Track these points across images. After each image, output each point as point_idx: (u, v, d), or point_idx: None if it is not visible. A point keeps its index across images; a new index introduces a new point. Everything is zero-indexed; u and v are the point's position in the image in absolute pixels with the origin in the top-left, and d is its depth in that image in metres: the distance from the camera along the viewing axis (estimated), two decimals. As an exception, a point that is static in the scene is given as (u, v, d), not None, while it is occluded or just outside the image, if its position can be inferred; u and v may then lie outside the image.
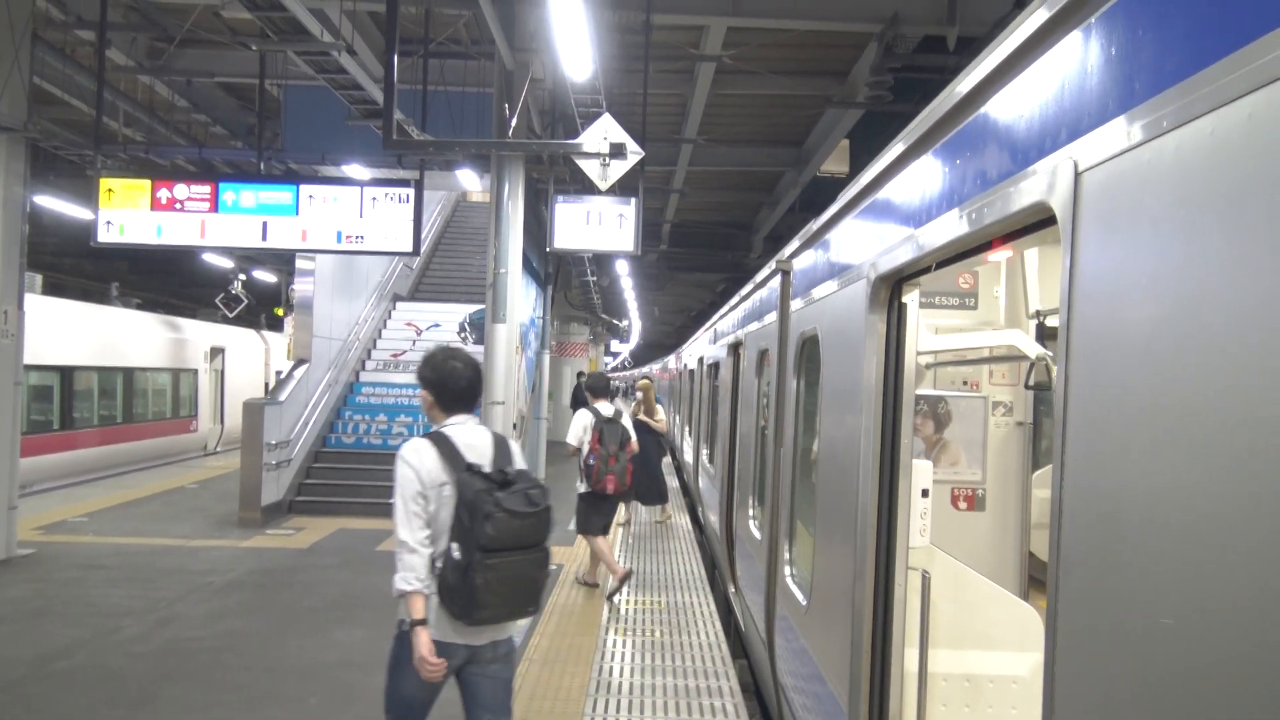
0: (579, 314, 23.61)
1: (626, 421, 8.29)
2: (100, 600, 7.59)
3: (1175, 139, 1.42)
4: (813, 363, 4.27)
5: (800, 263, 4.88)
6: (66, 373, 15.39)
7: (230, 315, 21.24)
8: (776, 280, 5.37)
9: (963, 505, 5.38)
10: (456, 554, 3.30)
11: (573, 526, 8.71)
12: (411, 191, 9.12)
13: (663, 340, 49.66)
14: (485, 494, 3.31)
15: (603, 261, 18.77)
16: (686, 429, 16.53)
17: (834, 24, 8.95)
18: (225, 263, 20.34)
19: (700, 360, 13.17)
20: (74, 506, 11.89)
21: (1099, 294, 1.65)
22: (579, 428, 8.05)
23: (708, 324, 12.96)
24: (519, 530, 3.36)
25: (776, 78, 10.81)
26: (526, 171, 9.84)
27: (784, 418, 4.94)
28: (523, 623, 7.20)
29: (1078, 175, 1.73)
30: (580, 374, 22.10)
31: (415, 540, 3.33)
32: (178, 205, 8.99)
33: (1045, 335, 5.03)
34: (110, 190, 9.01)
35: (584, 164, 7.85)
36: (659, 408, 12.38)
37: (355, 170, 11.32)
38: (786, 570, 4.90)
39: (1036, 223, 2.02)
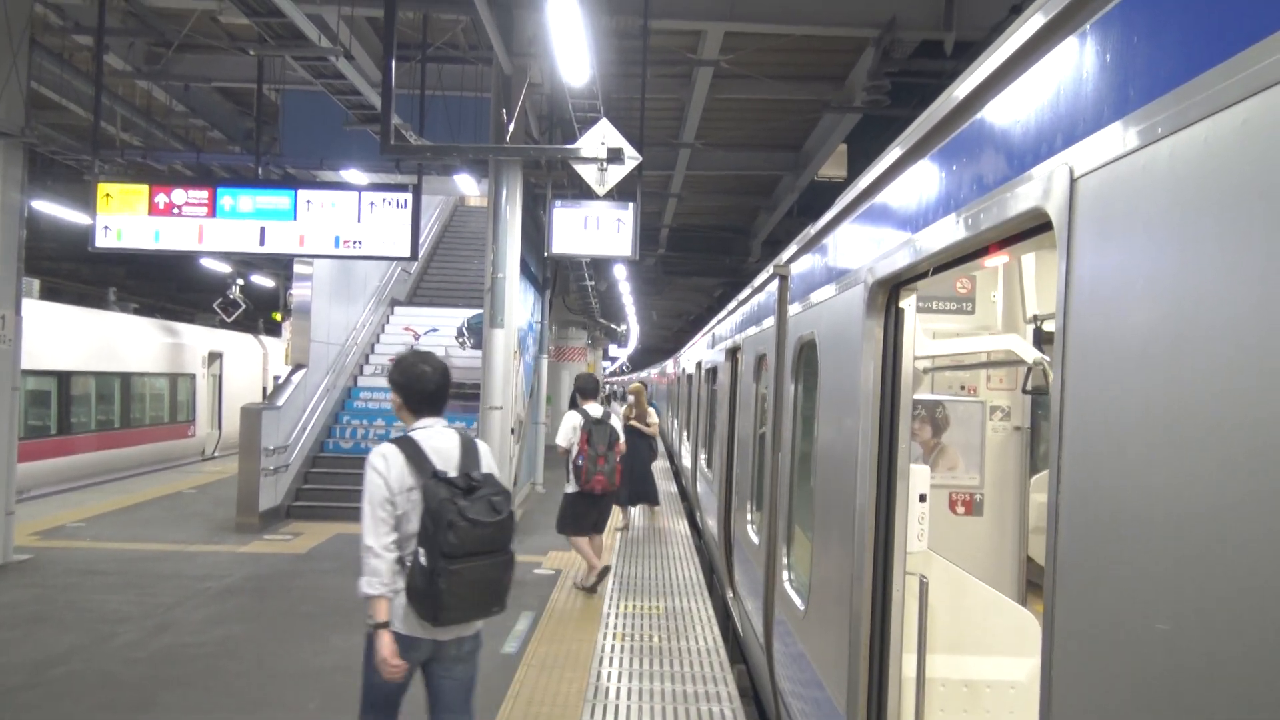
0: (577, 319, 23.59)
1: (615, 422, 8.40)
2: (97, 606, 7.57)
3: (1169, 145, 1.43)
4: (810, 367, 4.28)
5: (798, 267, 4.89)
6: (64, 377, 15.37)
7: (228, 320, 21.26)
8: (774, 285, 5.37)
9: (960, 510, 5.38)
10: (423, 559, 3.43)
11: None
12: (409, 196, 9.13)
13: (661, 345, 49.63)
14: (449, 502, 3.42)
15: (601, 266, 18.78)
16: (685, 433, 16.52)
17: (831, 29, 8.96)
18: (223, 268, 20.36)
19: (698, 365, 13.17)
20: (71, 512, 11.87)
21: (1095, 299, 1.66)
22: (568, 429, 8.15)
23: (706, 328, 12.97)
24: (481, 537, 3.48)
25: (774, 82, 10.83)
26: (524, 176, 9.85)
27: (782, 422, 4.94)
28: (520, 628, 7.24)
29: (1073, 181, 1.73)
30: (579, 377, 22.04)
31: (380, 545, 3.46)
32: (175, 210, 8.99)
33: (1043, 340, 5.03)
34: (108, 195, 9.01)
35: (582, 169, 7.86)
36: (651, 411, 12.35)
37: (353, 175, 11.33)
38: (784, 575, 4.89)
39: (1033, 228, 2.02)
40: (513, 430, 10.41)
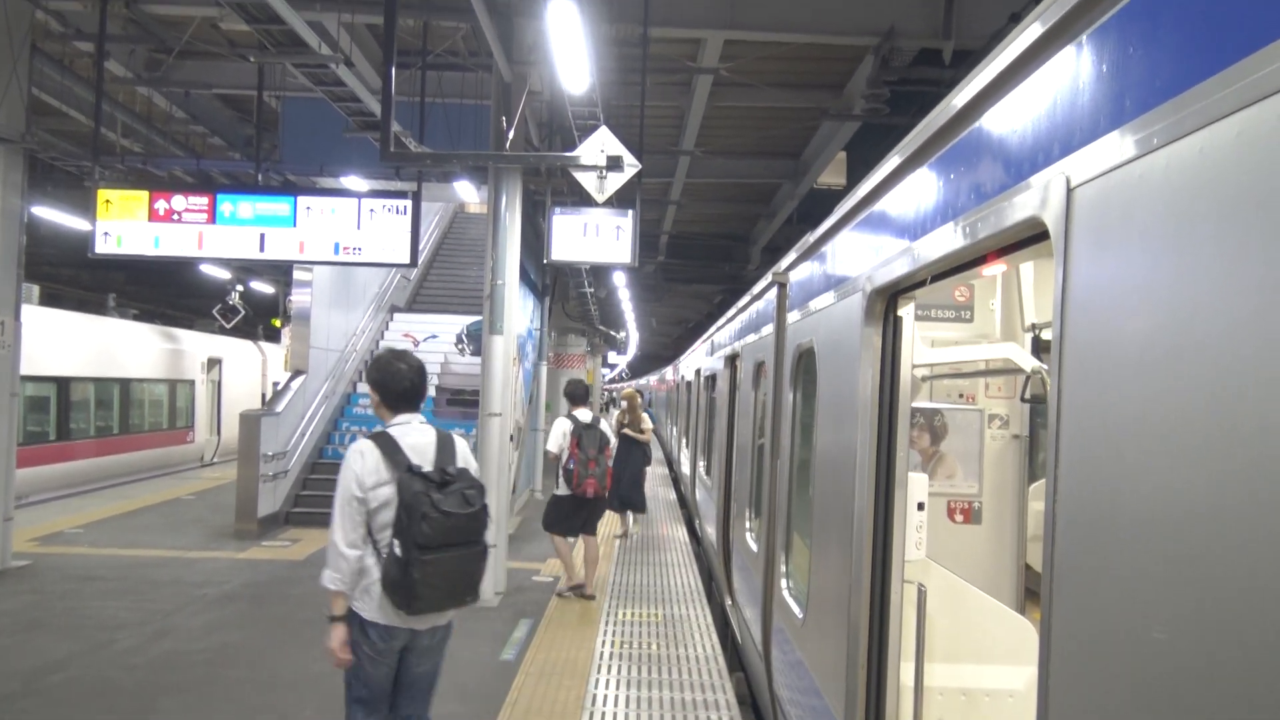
0: (576, 325, 23.57)
1: (605, 427, 8.52)
2: (96, 612, 7.56)
3: (1165, 155, 1.43)
4: (809, 375, 4.28)
5: (797, 275, 4.90)
6: (63, 383, 15.36)
7: (227, 326, 21.25)
8: (773, 292, 5.38)
9: (959, 518, 5.38)
10: (398, 550, 3.52)
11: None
12: (409, 203, 9.14)
13: (660, 351, 49.57)
14: (423, 495, 3.52)
15: (600, 273, 18.76)
16: (684, 440, 16.51)
17: (830, 37, 8.98)
18: (223, 274, 20.35)
19: (697, 372, 13.17)
20: (70, 518, 11.85)
21: (1092, 308, 1.66)
22: (558, 434, 8.32)
23: (705, 336, 12.97)
24: (454, 528, 3.57)
25: (773, 90, 10.85)
26: (524, 183, 9.85)
27: (780, 430, 4.95)
28: (518, 635, 7.23)
29: (1070, 190, 1.74)
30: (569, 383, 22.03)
31: (346, 542, 3.56)
32: (175, 216, 8.99)
33: (1041, 348, 5.04)
34: (108, 201, 9.01)
35: (581, 176, 7.86)
36: (645, 417, 12.30)
37: (353, 182, 11.32)
38: (783, 583, 4.89)
39: (1030, 237, 2.03)
40: (512, 437, 10.39)
